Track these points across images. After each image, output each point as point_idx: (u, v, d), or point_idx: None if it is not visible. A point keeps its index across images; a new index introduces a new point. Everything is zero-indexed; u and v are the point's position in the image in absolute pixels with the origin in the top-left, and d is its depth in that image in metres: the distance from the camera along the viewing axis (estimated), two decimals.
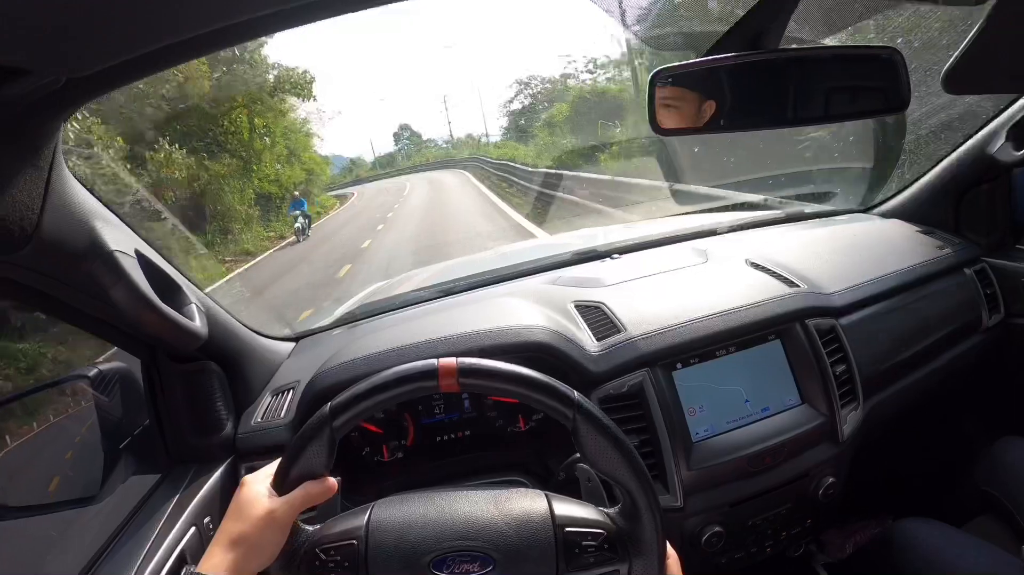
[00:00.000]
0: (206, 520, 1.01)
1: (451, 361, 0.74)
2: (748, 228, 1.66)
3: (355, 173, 58.66)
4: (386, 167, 60.53)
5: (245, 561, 0.73)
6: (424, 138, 73.65)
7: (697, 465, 1.06)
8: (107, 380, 1.08)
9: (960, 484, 1.42)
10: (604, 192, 9.11)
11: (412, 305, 1.50)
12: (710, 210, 1.85)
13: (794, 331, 1.16)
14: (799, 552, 1.33)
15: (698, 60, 0.74)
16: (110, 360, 1.13)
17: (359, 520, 0.77)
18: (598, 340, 1.14)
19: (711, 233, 1.63)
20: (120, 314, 0.85)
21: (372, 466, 1.16)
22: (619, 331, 1.15)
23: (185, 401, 1.08)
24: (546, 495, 0.79)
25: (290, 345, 1.39)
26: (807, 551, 1.36)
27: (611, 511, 0.78)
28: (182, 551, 0.94)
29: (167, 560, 0.91)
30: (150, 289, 0.87)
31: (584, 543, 0.75)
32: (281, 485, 0.76)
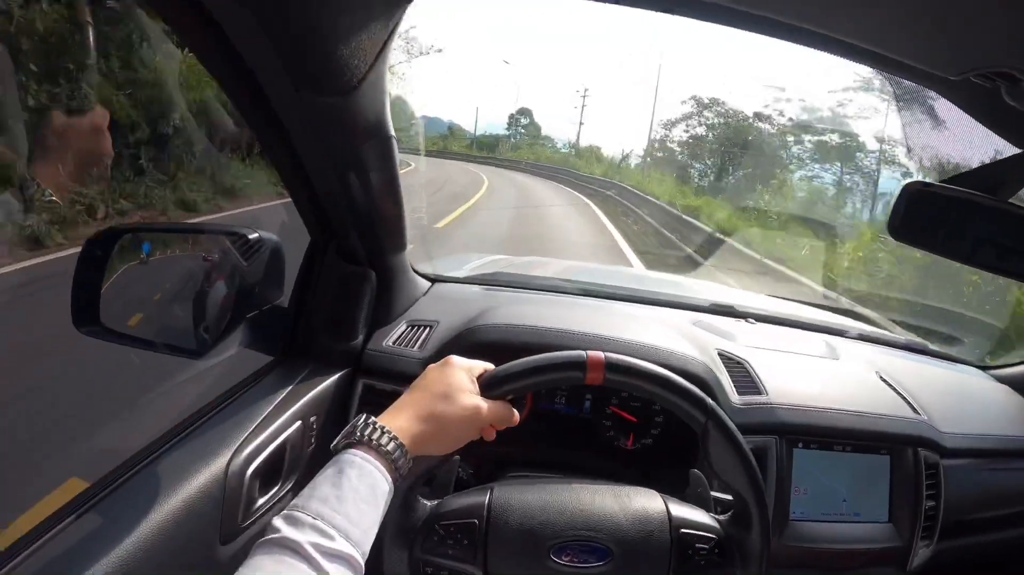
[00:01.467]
0: (312, 419, 1.00)
1: (599, 355, 0.76)
2: (874, 342, 1.68)
3: (444, 144, 51.49)
4: (484, 151, 50.65)
5: (433, 440, 0.70)
6: (542, 132, 60.27)
7: (787, 541, 1.10)
8: (261, 247, 1.06)
9: None
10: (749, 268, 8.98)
11: (552, 292, 1.52)
12: (841, 311, 1.87)
13: (905, 454, 1.19)
14: None
15: (955, 188, 0.74)
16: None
17: (480, 498, 0.78)
18: (739, 394, 1.18)
19: (840, 333, 1.65)
20: (351, 194, 0.84)
21: None
22: (760, 393, 1.19)
23: (333, 300, 1.09)
24: (662, 496, 0.83)
25: (426, 283, 1.41)
26: None
27: (723, 518, 0.82)
28: (284, 440, 0.93)
29: (271, 443, 0.91)
30: (400, 184, 0.86)
31: (697, 546, 0.79)
32: (493, 389, 0.76)
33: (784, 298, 1.94)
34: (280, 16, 0.64)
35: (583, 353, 0.76)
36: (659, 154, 31.95)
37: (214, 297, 1.12)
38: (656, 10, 0.65)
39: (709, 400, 0.78)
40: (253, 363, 1.04)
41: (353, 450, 0.64)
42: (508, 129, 60.68)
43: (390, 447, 0.65)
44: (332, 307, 1.09)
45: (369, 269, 1.09)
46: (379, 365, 1.12)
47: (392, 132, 0.84)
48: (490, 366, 0.78)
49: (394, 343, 1.15)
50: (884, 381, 1.34)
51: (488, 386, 0.76)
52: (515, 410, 0.77)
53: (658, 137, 32.78)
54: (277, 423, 0.92)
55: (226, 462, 0.83)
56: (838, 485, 1.17)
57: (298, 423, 0.97)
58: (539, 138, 57.66)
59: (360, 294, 1.09)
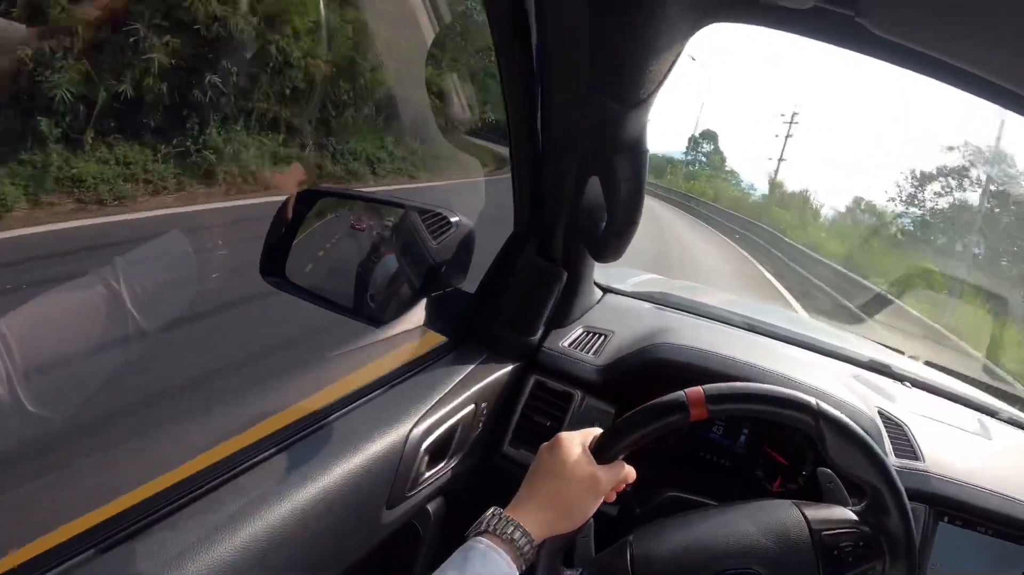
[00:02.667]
0: (483, 405, 1.02)
1: (697, 391, 0.76)
2: None
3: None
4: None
5: (560, 521, 0.71)
6: (725, 165, 45.64)
7: None
8: (457, 232, 1.09)
9: None
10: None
11: (718, 321, 1.51)
12: (997, 391, 1.79)
13: None
14: None
15: None
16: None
17: (621, 560, 0.76)
18: (896, 457, 1.14)
19: (993, 413, 1.55)
20: (579, 195, 0.85)
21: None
22: (917, 459, 1.15)
23: (522, 292, 1.10)
24: (795, 503, 0.82)
25: (599, 292, 1.41)
26: None
27: (859, 508, 0.80)
28: (457, 421, 0.95)
29: (448, 419, 0.93)
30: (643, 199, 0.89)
31: (841, 544, 0.78)
32: (605, 452, 0.75)
33: (941, 367, 1.85)
34: (611, 23, 0.66)
35: (681, 394, 0.75)
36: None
37: (400, 270, 1.15)
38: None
39: (814, 400, 0.77)
40: (432, 340, 1.06)
41: (480, 537, 0.66)
42: (687, 154, 46.84)
43: (515, 535, 0.67)
44: (518, 300, 1.10)
45: (563, 270, 1.09)
46: (553, 364, 1.12)
47: (647, 147, 0.84)
48: (598, 431, 0.78)
49: (570, 345, 1.16)
50: None
51: (600, 451, 0.75)
52: (631, 468, 0.77)
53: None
54: (453, 403, 0.94)
55: (407, 431, 0.85)
56: (974, 568, 1.12)
57: (471, 407, 0.98)
58: (721, 170, 44.46)
59: (548, 292, 1.10)
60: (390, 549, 0.92)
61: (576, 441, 0.75)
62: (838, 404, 1.08)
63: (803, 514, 0.80)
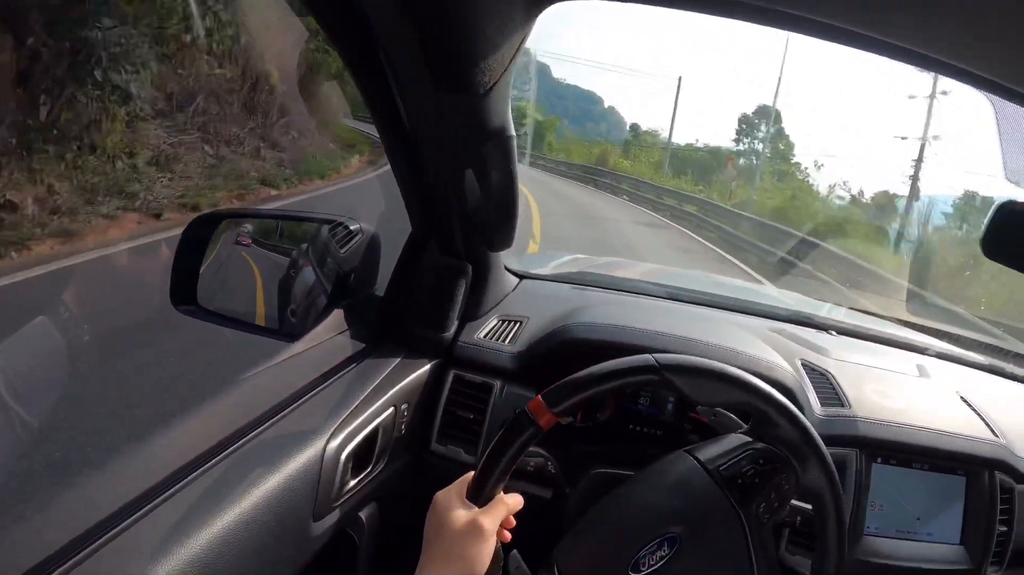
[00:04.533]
0: (403, 406, 1.02)
1: (537, 399, 0.75)
2: (956, 362, 1.63)
3: (618, 156, 31.17)
4: (682, 176, 27.24)
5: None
6: (794, 152, 32.41)
7: (859, 554, 1.09)
8: (359, 237, 1.10)
9: None
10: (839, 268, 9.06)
11: (638, 294, 1.52)
12: (920, 328, 1.84)
13: (982, 477, 1.16)
14: None
15: None
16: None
17: None
18: (822, 406, 1.17)
19: (921, 350, 1.62)
20: (463, 190, 0.87)
21: (562, 426, 1.15)
22: (843, 405, 1.18)
23: (428, 291, 1.10)
24: (686, 451, 0.83)
25: (515, 279, 1.42)
26: None
27: (746, 429, 0.83)
28: (377, 426, 0.95)
29: (366, 426, 0.93)
30: (518, 184, 0.89)
31: (743, 470, 0.80)
32: (480, 494, 0.74)
33: (866, 312, 1.91)
34: (433, 19, 0.65)
35: (524, 409, 0.75)
36: None
37: (310, 282, 1.15)
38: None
39: (649, 356, 0.76)
40: (346, 348, 1.06)
41: None
42: (738, 141, 35.63)
43: None
44: (427, 298, 1.10)
45: (466, 263, 1.10)
46: (470, 356, 1.13)
47: (513, 132, 0.85)
48: (470, 476, 0.77)
49: (485, 336, 1.17)
50: (965, 402, 1.32)
51: (475, 495, 0.75)
52: (515, 496, 0.78)
53: None
54: (371, 409, 0.94)
55: (324, 443, 0.85)
56: (913, 503, 1.15)
57: (390, 410, 0.98)
58: (788, 159, 31.25)
59: (455, 287, 1.11)
60: (326, 562, 0.92)
61: (452, 495, 0.75)
62: (753, 360, 1.12)
63: (695, 457, 0.82)
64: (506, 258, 1.35)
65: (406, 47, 0.69)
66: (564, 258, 1.86)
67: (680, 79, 32.44)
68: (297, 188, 9.49)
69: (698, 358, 0.78)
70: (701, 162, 33.48)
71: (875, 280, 8.11)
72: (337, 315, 1.09)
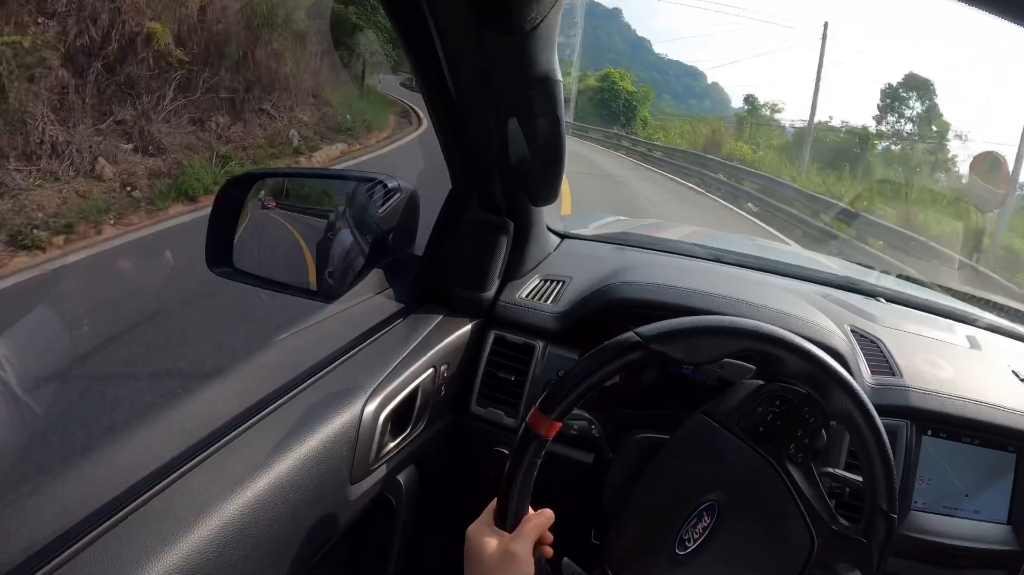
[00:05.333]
0: (443, 367, 1.00)
1: (534, 411, 0.74)
2: (1007, 335, 1.56)
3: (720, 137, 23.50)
4: (827, 170, 17.76)
5: None
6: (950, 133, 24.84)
7: (905, 529, 1.05)
8: (397, 195, 1.06)
9: None
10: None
11: (682, 255, 1.48)
12: (971, 298, 1.77)
13: None
14: None
15: None
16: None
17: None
18: (872, 374, 1.13)
19: (972, 321, 1.56)
20: (506, 140, 0.84)
21: (606, 389, 1.12)
22: (893, 374, 1.14)
23: (470, 249, 1.07)
24: (701, 412, 0.82)
25: (556, 239, 1.39)
26: None
27: (753, 370, 0.79)
28: (416, 387, 0.93)
29: (405, 388, 0.91)
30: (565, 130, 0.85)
31: (762, 418, 0.78)
32: (507, 521, 0.74)
33: (914, 279, 1.84)
34: None
35: (526, 424, 0.73)
36: None
37: (348, 243, 1.13)
38: None
39: (630, 334, 0.74)
40: (385, 309, 1.04)
41: None
42: (881, 120, 26.23)
43: None
44: (468, 257, 1.08)
45: (508, 220, 1.07)
46: (512, 316, 1.10)
47: (560, 77, 0.80)
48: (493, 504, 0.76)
49: (527, 296, 1.14)
50: (1017, 376, 1.26)
51: (502, 522, 0.74)
52: (544, 512, 0.77)
53: None
54: (410, 370, 0.92)
55: (361, 405, 0.83)
56: (962, 479, 1.11)
57: (430, 371, 0.96)
58: (944, 144, 24.07)
59: (497, 245, 1.08)
60: (365, 524, 0.92)
61: (482, 526, 0.75)
62: (807, 324, 1.07)
63: (710, 418, 0.80)
64: (548, 217, 1.32)
65: None
66: (605, 219, 1.82)
67: (826, 26, 19.28)
68: None
69: (680, 319, 0.75)
70: (843, 148, 23.03)
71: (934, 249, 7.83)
72: (376, 275, 1.06)
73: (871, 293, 1.51)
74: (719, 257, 1.50)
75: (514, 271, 1.16)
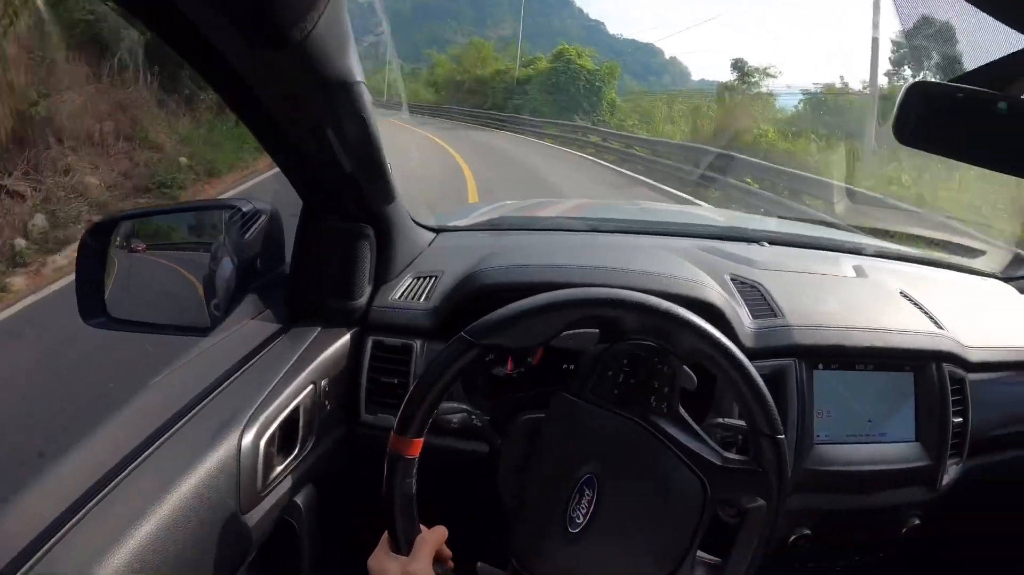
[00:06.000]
0: (323, 382, 0.99)
1: (391, 436, 0.76)
2: (892, 258, 1.65)
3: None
4: None
5: None
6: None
7: (812, 464, 1.08)
8: (255, 217, 1.05)
9: None
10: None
11: (559, 230, 1.50)
12: (852, 228, 1.82)
13: (929, 370, 1.16)
14: None
15: (957, 85, 0.70)
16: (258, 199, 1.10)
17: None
18: (754, 318, 1.15)
19: (857, 251, 1.62)
20: (330, 149, 0.84)
21: (492, 377, 1.14)
22: (775, 315, 1.16)
23: (332, 260, 1.07)
24: (560, 390, 0.83)
25: (431, 234, 1.39)
26: None
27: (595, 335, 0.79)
28: (297, 405, 0.93)
29: (283, 410, 0.90)
30: (378, 131, 0.85)
31: (613, 379, 0.80)
32: (399, 545, 0.76)
33: (797, 218, 1.89)
34: None
35: (389, 448, 0.76)
36: None
37: (217, 273, 1.11)
38: None
39: (461, 335, 0.76)
40: (261, 332, 1.03)
41: None
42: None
43: None
44: (333, 268, 1.07)
45: (366, 225, 1.07)
46: (386, 320, 1.10)
47: (358, 77, 0.79)
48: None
49: (400, 297, 1.14)
50: (905, 297, 1.31)
51: (397, 546, 0.76)
52: (437, 529, 0.78)
53: None
54: (288, 390, 0.92)
55: (238, 435, 0.82)
56: (862, 405, 1.14)
57: (310, 387, 0.96)
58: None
59: (360, 251, 1.07)
60: (270, 552, 0.91)
61: (379, 556, 0.77)
62: (672, 280, 1.09)
63: (568, 393, 0.82)
64: (418, 213, 1.32)
65: (206, 8, 0.63)
66: (490, 206, 1.82)
67: None
68: None
69: (504, 308, 0.76)
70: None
71: (814, 186, 7.97)
72: (250, 300, 1.06)
73: (754, 239, 1.54)
74: (597, 227, 1.52)
75: (385, 274, 1.16)
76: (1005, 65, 0.69)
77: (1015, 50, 0.68)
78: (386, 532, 0.77)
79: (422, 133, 16.55)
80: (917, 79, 0.75)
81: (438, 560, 0.78)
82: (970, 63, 0.74)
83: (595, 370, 0.82)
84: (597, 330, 0.78)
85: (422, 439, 0.75)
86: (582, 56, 27.66)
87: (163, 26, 0.67)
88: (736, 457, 0.79)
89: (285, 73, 0.73)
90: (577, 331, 0.78)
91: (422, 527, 0.78)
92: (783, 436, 0.78)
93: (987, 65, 0.71)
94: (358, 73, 0.79)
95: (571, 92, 26.04)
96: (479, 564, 0.81)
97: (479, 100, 30.09)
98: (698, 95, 26.31)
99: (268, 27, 0.63)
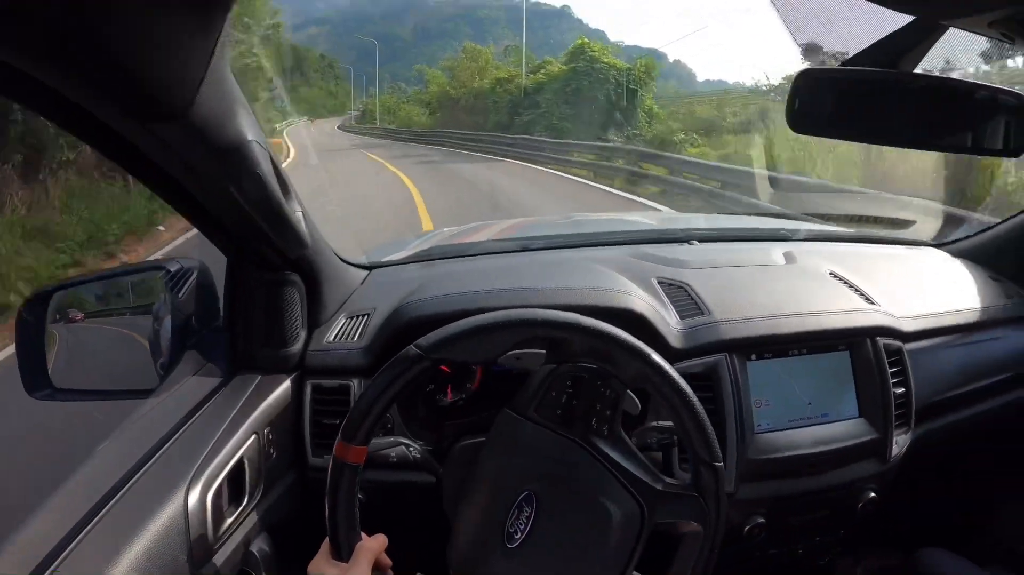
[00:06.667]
0: (266, 431, 1.01)
1: (338, 443, 0.79)
2: (823, 240, 1.69)
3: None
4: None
5: None
6: None
7: (755, 454, 1.09)
8: (186, 276, 1.07)
9: (990, 531, 1.48)
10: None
11: (489, 254, 1.52)
12: (782, 215, 1.86)
13: (864, 346, 1.19)
14: (824, 562, 1.37)
15: (845, 68, 0.74)
16: (185, 257, 1.12)
17: None
18: (681, 319, 1.17)
19: (786, 238, 1.65)
20: (236, 207, 0.85)
21: (434, 405, 1.16)
22: (703, 313, 1.18)
23: (262, 310, 1.08)
24: (506, 408, 0.86)
25: (363, 272, 1.40)
26: (830, 563, 1.40)
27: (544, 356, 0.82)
28: (242, 457, 0.94)
29: (228, 463, 0.91)
30: (277, 185, 0.86)
31: (556, 400, 0.83)
32: (340, 552, 0.77)
33: (727, 214, 1.94)
34: (81, 57, 0.58)
35: (333, 457, 0.79)
36: None
37: (160, 333, 1.13)
38: None
39: (410, 349, 0.79)
40: (202, 388, 1.05)
41: None
42: None
43: None
44: (265, 318, 1.08)
45: (291, 272, 1.08)
46: (322, 363, 1.12)
47: (251, 136, 0.81)
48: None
49: (334, 339, 1.15)
50: (835, 277, 1.34)
51: (336, 554, 0.78)
52: (377, 537, 0.81)
53: None
54: (232, 441, 0.93)
55: (184, 493, 0.84)
56: (801, 390, 1.16)
57: (253, 437, 0.97)
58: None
59: (287, 298, 1.09)
60: None
61: (320, 562, 0.79)
62: (592, 292, 1.12)
63: (513, 411, 0.85)
64: (348, 253, 1.34)
65: (86, 86, 0.65)
66: (424, 236, 1.83)
67: None
68: None
69: (457, 323, 0.79)
70: None
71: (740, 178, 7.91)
72: (189, 357, 1.07)
73: (683, 238, 1.57)
74: (527, 246, 1.54)
75: (317, 317, 1.17)
76: (892, 44, 0.72)
77: (899, 28, 0.71)
78: (327, 538, 0.79)
79: (392, 172, 13.24)
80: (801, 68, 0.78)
81: (377, 569, 0.79)
82: (855, 48, 0.76)
83: (540, 390, 0.84)
84: (544, 351, 0.82)
85: (366, 448, 0.77)
86: (606, 53, 21.21)
87: (44, 105, 0.68)
88: (674, 482, 0.83)
89: (176, 142, 0.74)
90: (525, 351, 0.81)
91: (363, 535, 0.80)
92: (721, 463, 0.81)
93: (872, 46, 0.73)
94: (250, 131, 0.81)
95: (598, 100, 19.59)
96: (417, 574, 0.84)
97: (478, 120, 24.57)
98: (754, 95, 19.30)
99: (150, 101, 0.65)
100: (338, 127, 34.69)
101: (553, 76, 22.16)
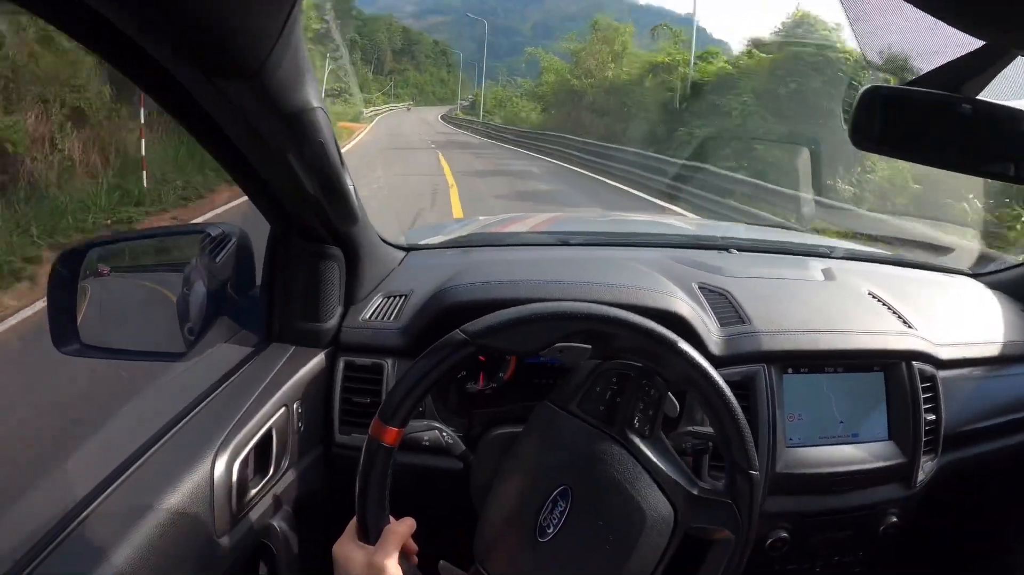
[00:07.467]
0: (296, 404, 1.00)
1: (375, 422, 0.77)
2: (862, 260, 1.66)
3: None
4: None
5: None
6: None
7: (784, 468, 1.09)
8: (225, 241, 1.06)
9: (1010, 565, 1.45)
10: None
11: (528, 246, 1.52)
12: (826, 232, 1.85)
13: (899, 369, 1.17)
14: None
15: (912, 89, 0.72)
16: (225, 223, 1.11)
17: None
18: (721, 326, 1.16)
19: (826, 255, 1.64)
20: (292, 174, 0.84)
21: (465, 392, 1.15)
22: (743, 322, 1.17)
23: (302, 281, 1.07)
24: (547, 400, 0.85)
25: (401, 253, 1.39)
26: None
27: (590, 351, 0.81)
28: (270, 428, 0.93)
29: (256, 433, 0.90)
30: (337, 156, 0.86)
31: (600, 395, 0.81)
32: (368, 533, 0.76)
33: (765, 224, 1.93)
34: (160, 9, 0.59)
35: (368, 438, 0.76)
36: None
37: (190, 298, 1.12)
38: None
39: (455, 333, 0.77)
40: (233, 356, 1.04)
41: None
42: None
43: None
44: (303, 290, 1.08)
45: (334, 247, 1.07)
46: (357, 340, 1.11)
47: (316, 103, 0.80)
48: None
49: (370, 317, 1.14)
50: (874, 298, 1.33)
51: (364, 534, 0.76)
52: (405, 521, 0.79)
53: None
54: (261, 412, 0.92)
55: (211, 459, 0.83)
56: (833, 407, 1.16)
57: (282, 410, 0.96)
58: None
59: (328, 273, 1.08)
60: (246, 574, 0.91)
61: (345, 542, 0.77)
62: (637, 291, 1.11)
63: (554, 405, 0.83)
64: (388, 232, 1.33)
65: (158, 38, 0.64)
66: (462, 223, 1.83)
67: None
68: None
69: (505, 310, 0.77)
70: None
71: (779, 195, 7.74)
72: (222, 323, 1.06)
73: (723, 246, 1.55)
74: (566, 240, 1.53)
75: (355, 294, 1.17)
76: (959, 67, 0.70)
77: (967, 52, 0.69)
78: (354, 519, 0.77)
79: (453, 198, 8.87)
80: (869, 85, 0.77)
81: (403, 554, 0.78)
82: (924, 66, 0.74)
83: (584, 385, 0.83)
84: (589, 346, 0.81)
85: (402, 430, 0.75)
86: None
87: (122, 59, 0.67)
88: (709, 487, 0.81)
89: (244, 102, 0.73)
90: (570, 344, 0.80)
91: (391, 518, 0.78)
92: (757, 472, 0.80)
93: (942, 67, 0.72)
94: (315, 99, 0.80)
95: (834, 115, 10.81)
96: (441, 563, 0.82)
97: (611, 124, 17.27)
98: None
99: (225, 58, 0.64)
100: (441, 117, 34.39)
101: (760, 65, 13.82)
